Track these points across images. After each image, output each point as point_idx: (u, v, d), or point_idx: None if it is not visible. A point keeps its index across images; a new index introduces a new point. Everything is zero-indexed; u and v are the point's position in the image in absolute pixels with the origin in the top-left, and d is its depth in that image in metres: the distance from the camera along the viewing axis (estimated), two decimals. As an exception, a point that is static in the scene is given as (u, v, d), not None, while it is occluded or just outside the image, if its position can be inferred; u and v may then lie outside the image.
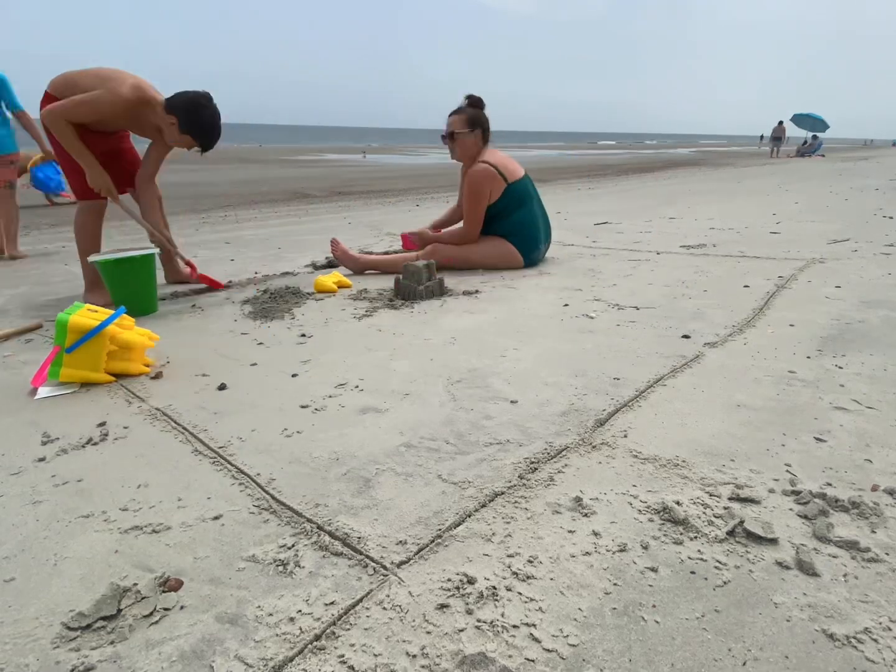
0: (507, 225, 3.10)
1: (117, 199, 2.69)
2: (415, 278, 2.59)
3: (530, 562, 0.94)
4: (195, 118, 2.54)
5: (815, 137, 22.98)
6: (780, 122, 23.05)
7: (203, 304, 2.61)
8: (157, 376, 1.76)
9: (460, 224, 3.24)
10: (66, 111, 2.44)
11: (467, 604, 0.86)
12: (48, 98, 2.52)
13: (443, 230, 3.38)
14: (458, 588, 0.89)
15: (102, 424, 1.45)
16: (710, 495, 1.11)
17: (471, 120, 3.04)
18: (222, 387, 1.65)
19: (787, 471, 1.18)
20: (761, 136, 22.57)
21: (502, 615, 0.84)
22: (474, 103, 3.10)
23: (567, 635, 0.80)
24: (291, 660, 0.77)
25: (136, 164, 2.85)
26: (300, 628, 0.82)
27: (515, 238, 3.12)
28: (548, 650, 0.78)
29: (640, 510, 1.07)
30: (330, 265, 3.36)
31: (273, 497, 1.13)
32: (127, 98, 2.48)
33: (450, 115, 3.08)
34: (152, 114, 2.57)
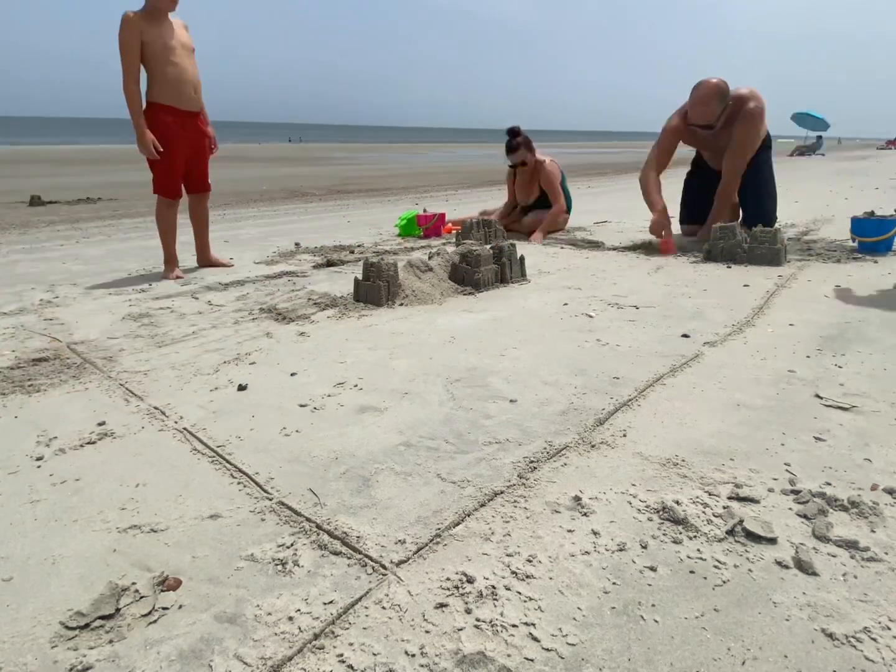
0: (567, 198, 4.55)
1: None
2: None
3: (529, 561, 0.94)
4: None
5: (808, 139, 23.12)
6: None
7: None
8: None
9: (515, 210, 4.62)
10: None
11: (466, 603, 0.86)
12: None
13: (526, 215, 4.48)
14: (457, 587, 0.89)
15: (101, 424, 1.45)
16: (710, 494, 1.11)
17: (528, 148, 4.31)
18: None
19: (787, 470, 1.18)
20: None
21: (501, 614, 0.83)
22: (516, 133, 4.27)
23: (566, 634, 0.80)
24: (290, 659, 0.77)
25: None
26: (299, 627, 0.82)
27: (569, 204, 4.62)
28: (547, 649, 0.78)
29: (639, 509, 1.07)
30: (329, 264, 3.36)
31: (271, 496, 1.13)
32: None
33: (514, 151, 4.29)
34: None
